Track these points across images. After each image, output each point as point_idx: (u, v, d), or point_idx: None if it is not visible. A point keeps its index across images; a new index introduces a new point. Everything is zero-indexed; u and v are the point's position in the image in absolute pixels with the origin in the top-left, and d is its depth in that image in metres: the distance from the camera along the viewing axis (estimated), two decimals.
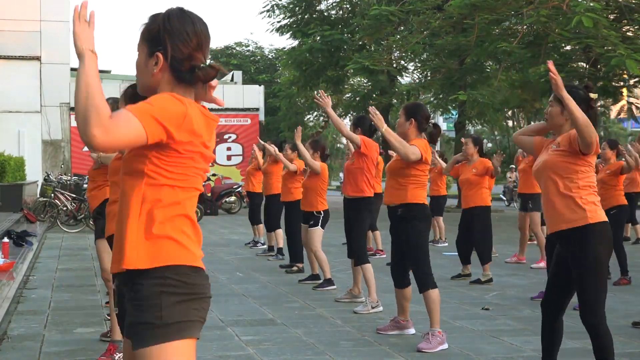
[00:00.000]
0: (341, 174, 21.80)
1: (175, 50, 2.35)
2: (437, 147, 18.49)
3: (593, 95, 4.40)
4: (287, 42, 68.75)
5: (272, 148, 10.58)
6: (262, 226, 12.46)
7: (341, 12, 29.26)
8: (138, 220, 2.31)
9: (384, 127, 5.89)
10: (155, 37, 2.37)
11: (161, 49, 2.35)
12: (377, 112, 5.99)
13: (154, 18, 2.41)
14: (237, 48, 43.91)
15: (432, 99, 26.76)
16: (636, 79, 19.87)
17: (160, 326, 2.27)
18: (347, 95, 30.84)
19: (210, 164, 2.87)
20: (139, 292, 2.29)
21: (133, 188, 2.33)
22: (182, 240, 2.34)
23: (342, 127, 7.20)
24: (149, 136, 2.23)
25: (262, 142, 11.27)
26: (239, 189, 22.99)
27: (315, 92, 9.23)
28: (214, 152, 2.50)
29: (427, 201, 6.01)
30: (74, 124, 25.43)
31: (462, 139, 9.68)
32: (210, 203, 22.57)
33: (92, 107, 2.14)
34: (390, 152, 6.46)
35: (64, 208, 16.96)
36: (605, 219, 4.28)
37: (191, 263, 2.34)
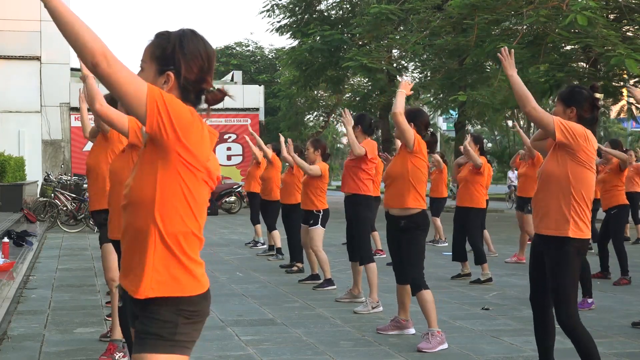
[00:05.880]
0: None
1: (188, 71, 2.37)
2: (437, 149, 18.50)
3: (599, 95, 4.41)
4: (287, 42, 68.67)
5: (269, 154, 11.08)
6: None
7: (341, 12, 29.23)
8: (154, 248, 2.34)
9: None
10: (168, 56, 2.38)
11: (173, 68, 2.37)
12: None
13: (166, 37, 2.41)
14: (237, 48, 43.84)
15: (432, 99, 26.73)
16: (636, 79, 19.84)
17: (169, 340, 2.32)
18: (347, 95, 30.84)
19: None
20: (154, 312, 2.34)
21: (146, 207, 2.34)
22: (194, 270, 2.38)
23: (356, 147, 7.19)
24: (148, 109, 2.22)
25: (257, 151, 11.45)
26: (239, 189, 22.98)
27: (341, 108, 9.37)
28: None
29: (426, 205, 6.02)
30: (74, 124, 25.44)
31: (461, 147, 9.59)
32: (210, 203, 22.56)
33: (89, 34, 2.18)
34: (394, 144, 6.47)
35: (64, 208, 16.96)
36: (588, 236, 4.33)
37: (200, 291, 2.39)
